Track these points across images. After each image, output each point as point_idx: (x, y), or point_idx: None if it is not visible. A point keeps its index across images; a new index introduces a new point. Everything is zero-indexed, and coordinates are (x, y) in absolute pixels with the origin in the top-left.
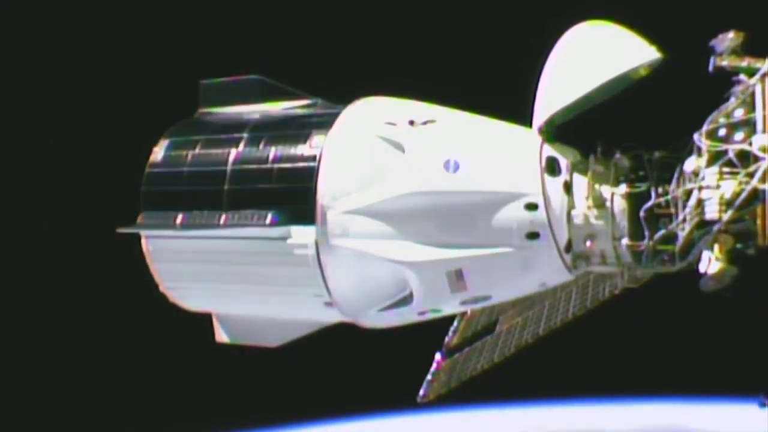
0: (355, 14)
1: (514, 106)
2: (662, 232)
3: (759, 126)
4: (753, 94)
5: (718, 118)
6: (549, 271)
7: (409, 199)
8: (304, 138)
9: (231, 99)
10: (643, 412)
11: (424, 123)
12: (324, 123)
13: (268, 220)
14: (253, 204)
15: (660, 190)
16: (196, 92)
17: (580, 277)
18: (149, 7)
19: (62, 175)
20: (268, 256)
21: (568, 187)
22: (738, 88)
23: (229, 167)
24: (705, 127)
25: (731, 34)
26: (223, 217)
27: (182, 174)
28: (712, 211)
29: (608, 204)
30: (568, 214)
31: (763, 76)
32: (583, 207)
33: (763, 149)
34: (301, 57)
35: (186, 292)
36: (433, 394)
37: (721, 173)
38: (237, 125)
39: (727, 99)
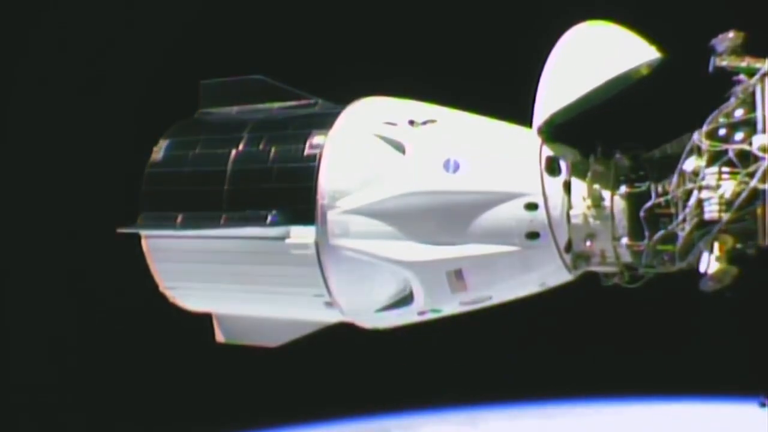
0: (355, 14)
1: (514, 106)
2: (662, 232)
3: (759, 126)
4: (753, 94)
5: (718, 118)
6: (549, 271)
7: (409, 199)
8: (304, 138)
9: (231, 99)
10: (643, 412)
11: (424, 123)
12: (324, 123)
13: (268, 220)
14: (253, 204)
15: (660, 189)
16: (196, 92)
17: None
18: (149, 7)
19: (62, 175)
20: (268, 255)
21: (568, 187)
22: (738, 88)
23: (229, 167)
24: (705, 127)
25: (731, 34)
26: (223, 217)
27: (182, 174)
28: (711, 212)
29: (608, 204)
30: (568, 214)
31: (763, 76)
32: (582, 207)
33: (763, 149)
34: (301, 57)
35: (186, 292)
36: None
37: (720, 173)
38: (237, 125)
39: (727, 99)
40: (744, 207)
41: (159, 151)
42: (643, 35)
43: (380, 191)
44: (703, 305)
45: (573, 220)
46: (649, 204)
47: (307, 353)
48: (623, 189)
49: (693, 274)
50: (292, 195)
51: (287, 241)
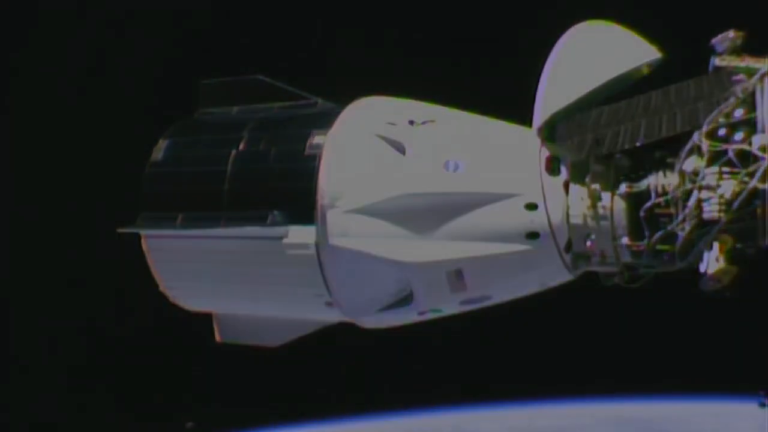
0: (355, 14)
1: (514, 106)
2: (662, 232)
3: (759, 126)
4: (753, 94)
5: (718, 118)
6: (549, 271)
7: (409, 199)
8: (304, 138)
9: (231, 99)
10: (643, 412)
11: (424, 123)
12: (324, 123)
13: (268, 220)
14: (254, 204)
15: (660, 189)
16: (196, 92)
17: None
18: (150, 7)
19: (62, 174)
20: (269, 255)
21: (567, 187)
22: (738, 88)
23: (229, 167)
24: (705, 127)
25: (731, 34)
26: (224, 217)
27: (182, 174)
28: (711, 212)
29: (607, 204)
30: (568, 214)
31: (763, 76)
32: (582, 207)
33: (763, 149)
34: (301, 57)
35: (186, 292)
36: None
37: (720, 173)
38: (237, 125)
39: (727, 99)
40: (744, 207)
41: (159, 151)
42: (643, 35)
43: (380, 191)
44: (703, 305)
45: (573, 220)
46: (648, 204)
47: (307, 353)
48: (623, 189)
49: (693, 274)
50: (292, 195)
51: (287, 241)
